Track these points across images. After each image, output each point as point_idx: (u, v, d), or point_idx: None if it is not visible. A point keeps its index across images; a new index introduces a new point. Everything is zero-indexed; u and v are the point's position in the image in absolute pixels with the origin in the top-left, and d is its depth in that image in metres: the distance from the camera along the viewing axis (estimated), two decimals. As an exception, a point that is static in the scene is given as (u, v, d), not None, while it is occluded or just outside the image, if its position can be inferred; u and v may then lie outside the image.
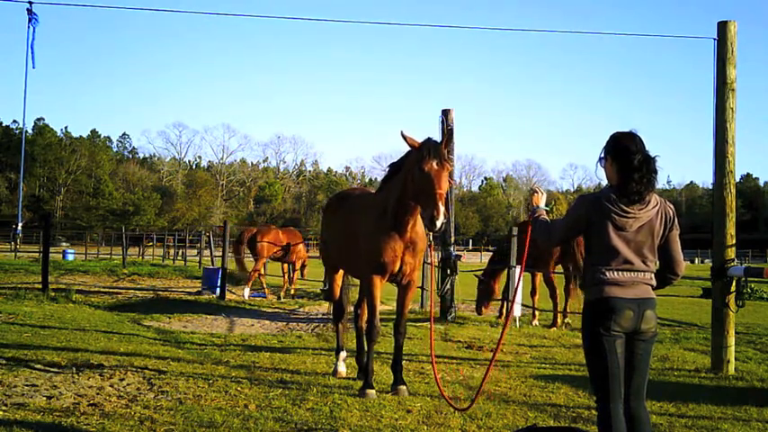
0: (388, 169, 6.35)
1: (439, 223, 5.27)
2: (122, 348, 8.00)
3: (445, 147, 5.62)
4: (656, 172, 3.60)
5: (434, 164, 5.45)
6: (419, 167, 5.47)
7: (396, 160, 6.30)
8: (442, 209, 5.28)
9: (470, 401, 5.17)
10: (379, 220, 6.08)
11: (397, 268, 6.13)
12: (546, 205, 4.25)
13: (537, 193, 4.23)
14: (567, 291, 11.83)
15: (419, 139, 5.72)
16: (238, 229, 20.31)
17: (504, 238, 14.90)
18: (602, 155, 3.73)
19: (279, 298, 15.93)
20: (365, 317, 6.83)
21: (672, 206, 3.76)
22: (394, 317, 6.66)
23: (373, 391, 6.07)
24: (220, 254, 18.64)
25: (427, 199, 5.39)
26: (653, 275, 3.69)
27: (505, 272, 12.45)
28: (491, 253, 16.67)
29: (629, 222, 3.58)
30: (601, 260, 3.63)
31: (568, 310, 11.84)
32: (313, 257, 18.23)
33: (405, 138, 5.72)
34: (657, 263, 3.75)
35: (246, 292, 15.76)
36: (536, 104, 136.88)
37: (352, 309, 7.54)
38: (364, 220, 6.32)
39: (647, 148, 3.64)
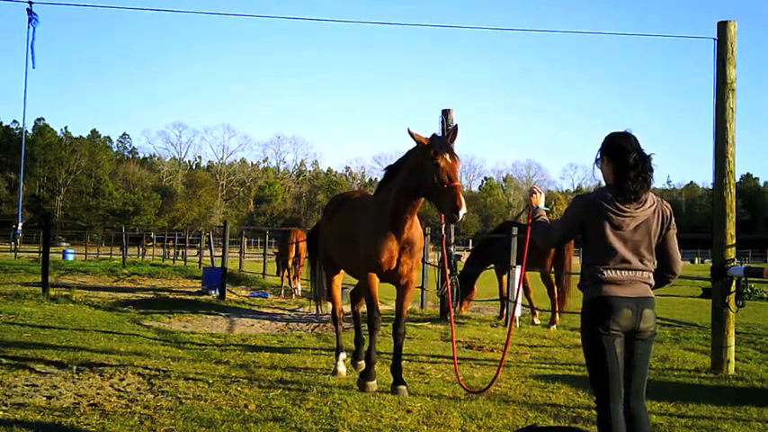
0: (385, 172, 6.42)
1: (462, 213, 5.37)
2: (122, 348, 8.00)
3: (451, 141, 5.75)
4: (651, 170, 3.62)
5: (448, 157, 5.55)
6: (434, 163, 5.54)
7: (392, 163, 6.37)
8: (462, 199, 5.40)
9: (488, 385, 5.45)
10: (377, 221, 6.13)
11: (394, 268, 6.18)
12: (545, 205, 4.27)
13: (536, 193, 4.24)
14: (557, 291, 11.88)
15: (424, 135, 5.77)
16: (239, 229, 20.75)
17: (483, 239, 14.95)
18: (599, 155, 3.75)
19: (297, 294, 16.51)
20: (361, 309, 6.87)
21: (668, 205, 3.77)
22: (393, 317, 6.67)
23: (374, 383, 6.18)
24: (220, 254, 18.65)
25: (445, 192, 5.48)
26: (651, 275, 3.70)
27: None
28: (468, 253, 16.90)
29: (625, 221, 3.59)
30: (598, 259, 3.63)
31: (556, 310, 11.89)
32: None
33: (412, 134, 5.75)
34: (655, 262, 3.76)
35: (299, 287, 16.70)
36: (536, 104, 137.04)
37: (350, 309, 7.57)
38: (363, 220, 6.37)
39: (642, 147, 3.65)
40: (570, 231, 3.84)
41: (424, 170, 5.62)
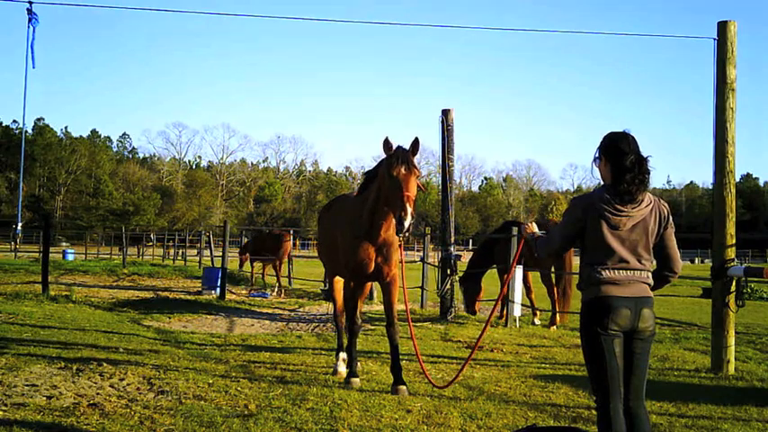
0: (364, 176, 6.71)
1: (407, 224, 5.65)
2: (122, 348, 8.00)
3: (413, 154, 6.01)
4: (648, 172, 3.63)
5: (403, 169, 5.85)
6: (389, 173, 5.88)
7: (371, 169, 6.67)
8: (409, 210, 5.67)
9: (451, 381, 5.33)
10: (355, 225, 6.42)
11: (372, 269, 6.44)
12: (544, 214, 4.35)
13: (527, 225, 4.34)
14: (559, 292, 11.88)
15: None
16: (239, 230, 21.37)
17: (485, 240, 14.91)
18: (597, 155, 3.77)
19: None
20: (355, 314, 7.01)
21: (666, 204, 3.78)
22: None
23: (357, 379, 6.50)
24: (220, 254, 18.67)
25: (396, 201, 5.76)
26: (650, 274, 3.70)
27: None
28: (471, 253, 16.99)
29: (622, 221, 3.59)
30: (596, 259, 3.64)
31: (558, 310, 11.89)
32: (314, 257, 18.47)
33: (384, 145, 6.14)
34: (654, 262, 3.76)
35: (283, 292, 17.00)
36: (536, 104, 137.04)
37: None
38: (342, 224, 6.68)
39: (640, 149, 3.67)
40: (571, 233, 3.82)
41: (384, 179, 5.97)
